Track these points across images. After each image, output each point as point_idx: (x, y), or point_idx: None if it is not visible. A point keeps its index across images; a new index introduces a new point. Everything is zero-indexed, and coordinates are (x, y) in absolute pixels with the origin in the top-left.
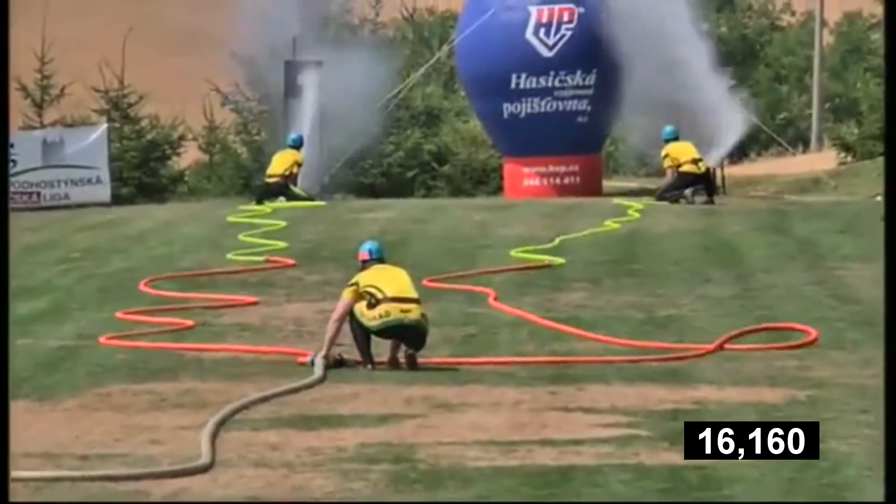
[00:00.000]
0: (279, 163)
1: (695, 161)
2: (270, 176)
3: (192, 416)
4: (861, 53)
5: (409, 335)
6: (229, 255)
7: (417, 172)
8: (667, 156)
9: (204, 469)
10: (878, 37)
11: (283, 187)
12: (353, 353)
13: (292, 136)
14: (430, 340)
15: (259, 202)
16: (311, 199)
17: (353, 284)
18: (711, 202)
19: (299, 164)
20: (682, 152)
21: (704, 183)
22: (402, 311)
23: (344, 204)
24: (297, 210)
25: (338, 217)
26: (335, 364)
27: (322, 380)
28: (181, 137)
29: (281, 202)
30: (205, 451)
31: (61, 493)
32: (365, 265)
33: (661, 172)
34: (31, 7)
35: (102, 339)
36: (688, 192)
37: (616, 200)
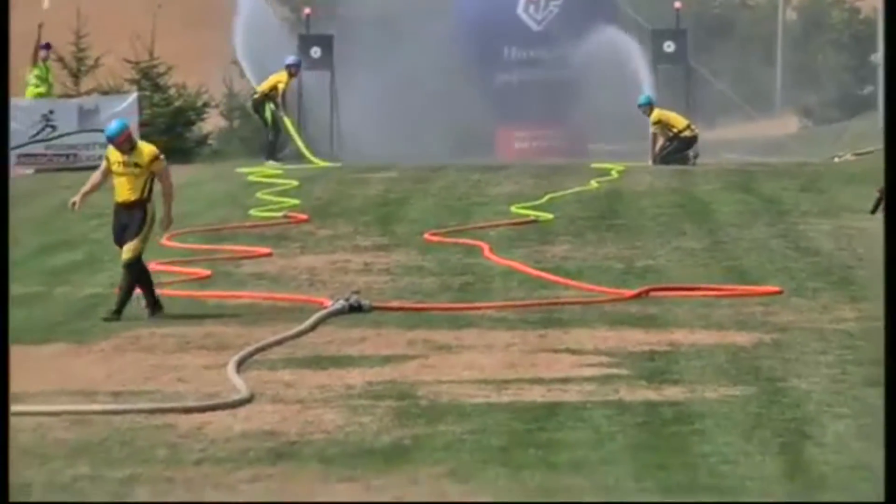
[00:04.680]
0: (268, 82)
1: (689, 127)
2: (257, 92)
3: (214, 356)
4: (821, 28)
5: None
6: (252, 212)
7: None
8: (659, 122)
9: (243, 402)
10: (836, 12)
11: (258, 104)
12: (372, 298)
13: (288, 58)
14: (431, 288)
15: (270, 157)
16: (274, 127)
17: None
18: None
19: (276, 86)
20: (677, 120)
21: (696, 146)
22: None
23: (352, 165)
24: (309, 170)
25: (345, 177)
26: (350, 309)
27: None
28: (205, 105)
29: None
30: (242, 387)
31: (97, 426)
32: None
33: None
34: None
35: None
36: (690, 153)
37: (596, 164)
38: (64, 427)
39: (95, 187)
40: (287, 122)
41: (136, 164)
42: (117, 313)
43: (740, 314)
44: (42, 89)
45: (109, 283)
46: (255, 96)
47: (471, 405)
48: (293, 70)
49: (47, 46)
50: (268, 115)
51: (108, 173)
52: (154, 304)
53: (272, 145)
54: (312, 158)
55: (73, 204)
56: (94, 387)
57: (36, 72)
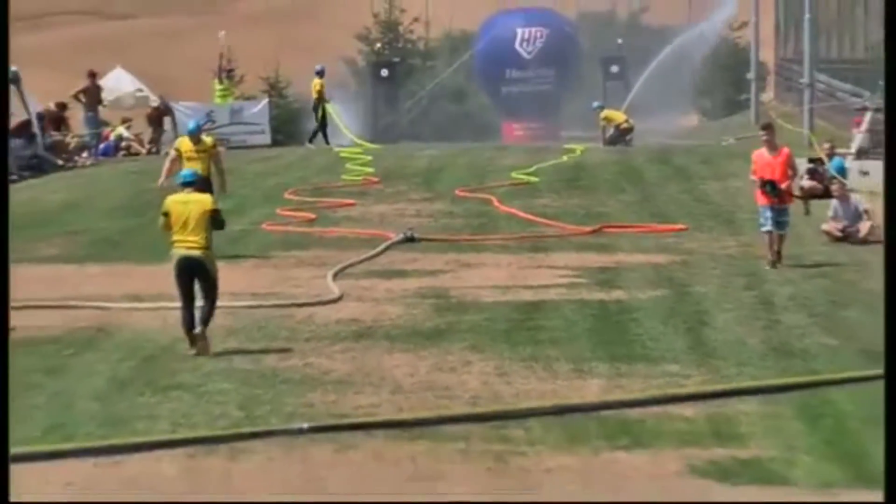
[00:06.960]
0: (314, 89)
1: (626, 121)
2: (315, 98)
3: (318, 270)
4: (713, 56)
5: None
6: (343, 176)
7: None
8: (605, 118)
9: (336, 300)
10: (723, 45)
11: (316, 106)
12: (421, 232)
13: (317, 67)
14: (459, 226)
15: (312, 141)
16: (322, 127)
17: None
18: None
19: (318, 91)
20: (617, 116)
21: (631, 134)
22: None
23: (407, 146)
24: (379, 150)
25: (402, 153)
26: (407, 240)
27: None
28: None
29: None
30: (336, 290)
31: (241, 316)
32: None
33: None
34: (221, 27)
35: (265, 225)
36: (627, 138)
37: (566, 146)
38: (220, 317)
39: (171, 171)
40: (329, 109)
41: (203, 151)
42: None
43: (661, 243)
44: (228, 96)
45: (250, 222)
46: (314, 100)
47: (486, 302)
48: (321, 75)
49: (229, 70)
50: (320, 113)
51: (176, 160)
52: None
53: (314, 133)
54: (356, 139)
55: (161, 184)
56: (240, 290)
57: (224, 84)
